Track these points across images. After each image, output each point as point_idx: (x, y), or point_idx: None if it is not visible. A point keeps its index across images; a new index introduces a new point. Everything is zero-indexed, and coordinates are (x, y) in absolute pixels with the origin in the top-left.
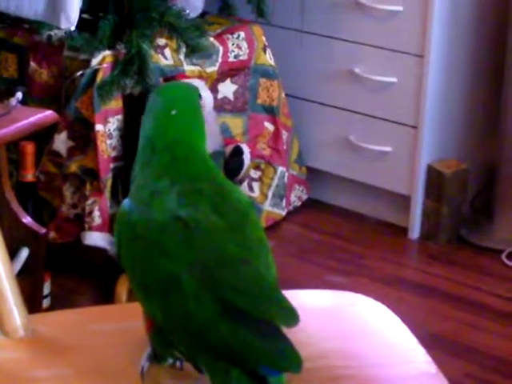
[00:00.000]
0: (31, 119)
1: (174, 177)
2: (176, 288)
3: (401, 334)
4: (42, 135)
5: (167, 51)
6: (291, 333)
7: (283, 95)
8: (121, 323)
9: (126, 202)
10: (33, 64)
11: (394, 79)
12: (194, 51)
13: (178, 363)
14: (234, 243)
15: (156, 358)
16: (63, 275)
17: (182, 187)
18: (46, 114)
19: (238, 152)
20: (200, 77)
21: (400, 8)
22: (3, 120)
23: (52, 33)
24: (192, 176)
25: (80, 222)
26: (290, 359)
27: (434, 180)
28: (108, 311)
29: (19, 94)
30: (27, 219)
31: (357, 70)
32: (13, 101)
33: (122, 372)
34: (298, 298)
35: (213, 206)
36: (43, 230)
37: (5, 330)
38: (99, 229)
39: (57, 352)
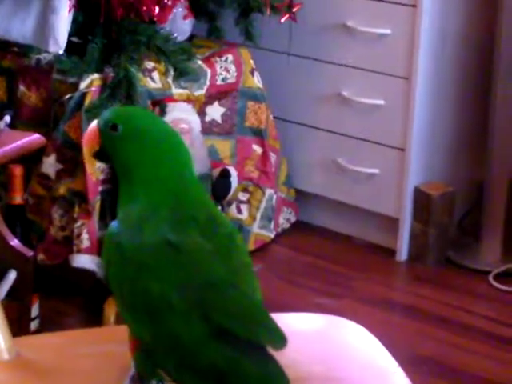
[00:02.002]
0: (19, 143)
1: (171, 204)
2: (165, 309)
3: (382, 357)
4: (30, 157)
5: (155, 74)
6: (276, 355)
7: (271, 118)
8: (105, 346)
9: (114, 225)
10: (22, 87)
11: (381, 102)
12: (182, 74)
13: None
14: (223, 267)
15: (140, 379)
16: (51, 297)
17: (174, 212)
18: (34, 138)
19: (225, 174)
20: (188, 100)
21: (388, 31)
22: None
23: (41, 56)
24: (188, 203)
25: (68, 244)
26: (278, 380)
27: (422, 202)
28: (93, 334)
29: (7, 118)
30: (15, 242)
31: (344, 93)
32: (0, 124)
33: None
34: (281, 320)
35: (203, 231)
36: (31, 253)
37: None
38: (88, 251)
39: (41, 375)
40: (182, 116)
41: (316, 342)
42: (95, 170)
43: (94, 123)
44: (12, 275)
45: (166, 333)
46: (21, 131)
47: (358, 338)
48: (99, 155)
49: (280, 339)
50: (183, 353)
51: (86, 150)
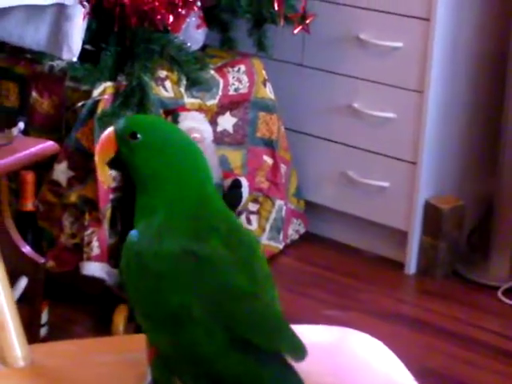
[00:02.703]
0: (32, 150)
1: (192, 214)
2: (186, 319)
3: (397, 370)
4: (41, 164)
5: (168, 83)
6: None
7: (282, 129)
8: (120, 355)
9: (133, 234)
10: (34, 94)
11: (392, 115)
12: (195, 84)
13: None
14: (244, 278)
15: None
16: (60, 304)
17: (195, 222)
18: (47, 145)
19: (236, 185)
20: (200, 109)
21: (400, 44)
22: (4, 150)
23: (54, 63)
24: (209, 213)
25: (78, 251)
26: None
27: (432, 216)
28: (107, 343)
29: (21, 124)
30: (26, 248)
31: (356, 105)
32: (14, 131)
33: None
34: (296, 332)
35: (225, 241)
36: (42, 260)
37: (6, 360)
38: (98, 259)
39: (56, 382)
40: (194, 125)
41: (329, 353)
42: (108, 178)
43: (110, 130)
44: (23, 282)
45: (185, 342)
46: (34, 138)
47: (372, 351)
48: (113, 163)
49: (301, 350)
50: (203, 363)
51: (100, 157)
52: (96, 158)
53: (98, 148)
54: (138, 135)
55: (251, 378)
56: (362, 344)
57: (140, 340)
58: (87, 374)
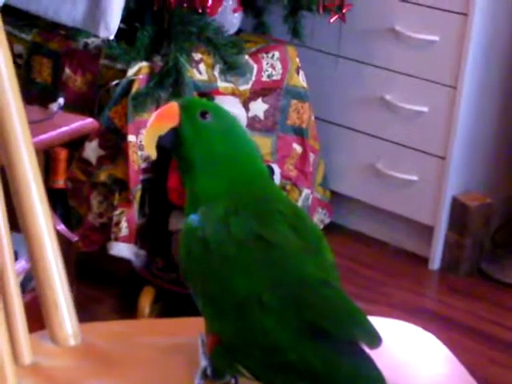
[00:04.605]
0: (72, 126)
1: (257, 198)
2: (255, 306)
3: (451, 365)
4: (72, 142)
5: (202, 66)
6: None
7: (312, 118)
8: (169, 338)
9: (194, 218)
10: (67, 70)
11: (424, 109)
12: (231, 68)
13: (232, 380)
14: (314, 265)
15: (213, 375)
16: (85, 284)
17: (261, 206)
18: (87, 122)
19: (269, 172)
20: (233, 94)
21: (436, 38)
22: (44, 125)
23: (89, 40)
24: (273, 197)
25: (105, 231)
26: (375, 380)
27: (458, 212)
28: (156, 325)
29: (61, 100)
30: (60, 226)
31: (388, 98)
32: (54, 106)
33: None
34: None
35: (291, 226)
36: (75, 238)
37: (56, 338)
38: (125, 240)
39: (106, 362)
40: (229, 109)
41: (385, 346)
42: (154, 151)
43: (174, 102)
44: None
45: (254, 330)
46: (73, 114)
47: (424, 345)
48: (165, 138)
49: (375, 338)
50: (274, 352)
51: (155, 127)
52: (149, 127)
53: (155, 117)
54: (208, 115)
55: (327, 366)
56: (414, 338)
57: (188, 324)
58: (136, 356)
